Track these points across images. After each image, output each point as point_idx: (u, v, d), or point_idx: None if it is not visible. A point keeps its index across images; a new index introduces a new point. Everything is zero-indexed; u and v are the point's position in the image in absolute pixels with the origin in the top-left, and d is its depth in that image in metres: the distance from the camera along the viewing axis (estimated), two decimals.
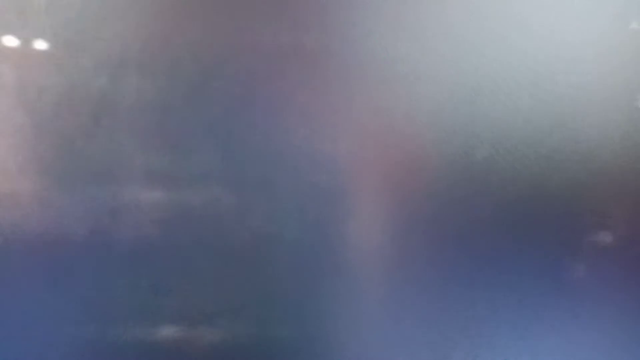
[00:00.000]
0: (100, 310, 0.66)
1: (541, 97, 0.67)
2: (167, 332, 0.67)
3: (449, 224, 0.68)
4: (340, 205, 0.68)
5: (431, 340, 0.69)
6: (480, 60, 0.67)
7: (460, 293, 0.68)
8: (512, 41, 0.67)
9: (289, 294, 0.67)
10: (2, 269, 0.66)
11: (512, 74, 0.67)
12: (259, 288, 0.67)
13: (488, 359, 0.69)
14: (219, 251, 0.67)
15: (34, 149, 0.66)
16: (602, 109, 0.68)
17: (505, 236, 0.68)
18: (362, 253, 0.69)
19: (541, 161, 0.68)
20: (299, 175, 0.67)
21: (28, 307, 0.66)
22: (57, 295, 0.66)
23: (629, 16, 0.68)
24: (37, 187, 0.66)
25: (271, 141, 0.67)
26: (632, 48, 0.68)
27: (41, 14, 0.65)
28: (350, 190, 0.68)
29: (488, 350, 0.69)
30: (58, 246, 0.66)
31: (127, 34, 0.65)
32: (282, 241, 0.67)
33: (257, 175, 0.67)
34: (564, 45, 0.67)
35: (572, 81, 0.67)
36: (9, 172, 0.66)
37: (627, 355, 0.69)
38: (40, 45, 0.66)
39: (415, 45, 0.67)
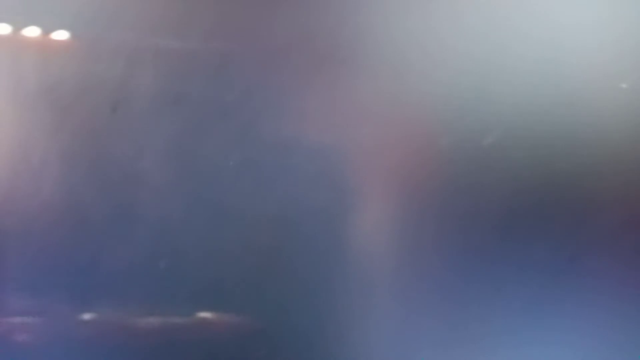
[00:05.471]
0: (116, 292, 0.67)
1: (550, 83, 0.67)
2: (180, 317, 0.68)
3: (459, 212, 0.68)
4: (351, 193, 0.68)
5: (445, 323, 0.69)
6: (490, 48, 0.67)
7: (469, 280, 0.68)
8: (521, 28, 0.67)
9: (300, 281, 0.68)
10: (21, 249, 0.66)
11: (520, 62, 0.67)
12: (272, 276, 0.68)
13: (503, 355, 0.69)
14: (234, 238, 0.67)
15: (52, 137, 0.67)
16: (613, 93, 0.68)
17: (517, 224, 0.68)
18: (374, 241, 0.69)
19: (551, 147, 0.68)
20: (313, 162, 0.67)
21: (46, 286, 0.67)
22: (76, 275, 0.67)
23: None
24: (55, 174, 0.67)
25: (289, 126, 0.67)
26: None
27: (60, 4, 0.66)
28: (360, 178, 0.68)
29: (502, 345, 0.69)
30: (76, 232, 0.67)
31: (144, 22, 0.66)
32: (296, 228, 0.68)
33: (274, 162, 0.67)
34: (575, 26, 0.68)
35: (582, 65, 0.68)
36: (29, 160, 0.67)
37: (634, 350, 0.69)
38: (60, 35, 0.67)
39: (424, 33, 0.67)
